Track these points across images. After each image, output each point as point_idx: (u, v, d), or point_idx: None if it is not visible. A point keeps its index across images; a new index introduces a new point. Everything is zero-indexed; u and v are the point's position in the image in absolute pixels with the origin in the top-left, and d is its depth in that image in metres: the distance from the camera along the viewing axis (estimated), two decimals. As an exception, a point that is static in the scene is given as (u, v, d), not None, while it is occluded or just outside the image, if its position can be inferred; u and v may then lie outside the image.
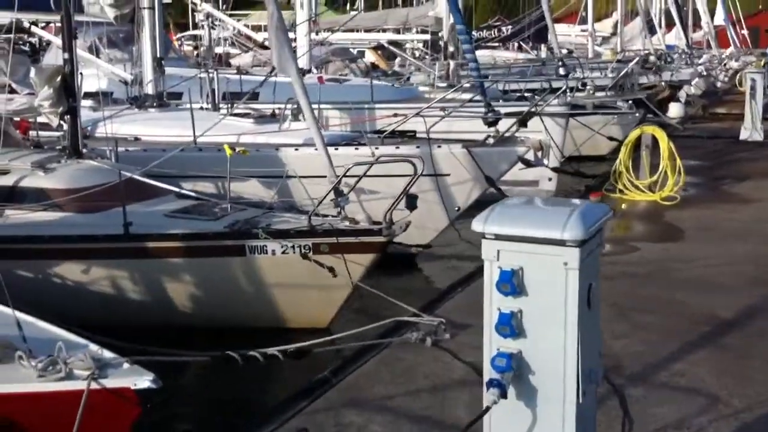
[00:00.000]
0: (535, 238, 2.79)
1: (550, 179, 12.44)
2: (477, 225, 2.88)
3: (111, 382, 3.76)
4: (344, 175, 6.94)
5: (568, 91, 13.75)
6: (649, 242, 8.57)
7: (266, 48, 17.80)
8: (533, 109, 10.52)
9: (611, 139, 16.66)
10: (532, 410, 3.02)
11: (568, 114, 13.29)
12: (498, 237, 2.84)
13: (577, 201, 3.03)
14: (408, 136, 10.53)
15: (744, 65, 34.43)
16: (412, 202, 6.79)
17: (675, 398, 4.86)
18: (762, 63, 26.68)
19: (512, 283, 2.85)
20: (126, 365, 3.87)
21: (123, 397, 3.74)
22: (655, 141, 10.81)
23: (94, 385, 3.69)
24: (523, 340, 2.95)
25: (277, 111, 11.03)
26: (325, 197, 6.96)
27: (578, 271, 2.80)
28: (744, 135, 15.94)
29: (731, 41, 42.58)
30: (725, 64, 34.36)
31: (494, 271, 2.89)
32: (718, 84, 30.78)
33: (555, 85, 14.10)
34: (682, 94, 21.38)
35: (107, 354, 3.99)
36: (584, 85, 15.26)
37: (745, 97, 16.38)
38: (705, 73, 27.49)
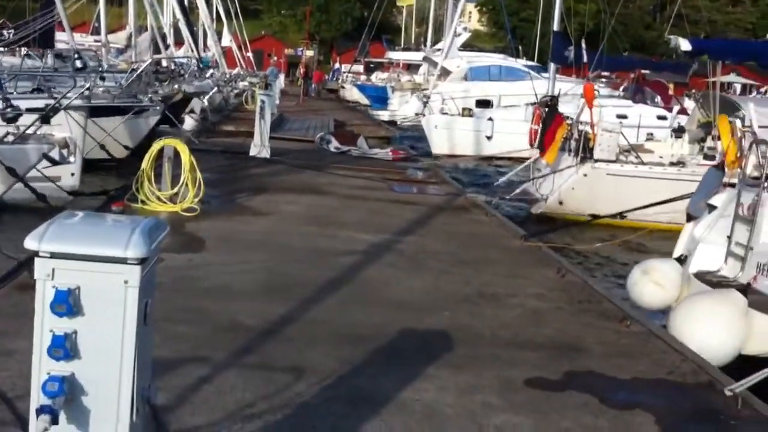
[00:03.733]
0: (96, 256, 2.71)
1: (72, 174, 12.11)
2: (31, 243, 2.69)
3: None
4: None
5: (91, 86, 13.51)
6: (173, 253, 8.71)
7: None
8: (57, 105, 10.06)
9: (126, 148, 16.77)
10: (83, 434, 2.92)
11: (88, 107, 13.08)
12: (54, 255, 2.70)
13: (138, 218, 3.02)
14: None
15: (250, 85, 37.11)
16: None
17: (207, 405, 5.08)
18: (265, 84, 28.99)
19: (68, 303, 2.73)
20: None
21: None
22: (177, 153, 11.08)
23: None
24: (77, 362, 2.84)
25: None
26: None
27: (138, 289, 2.80)
28: (254, 151, 17.09)
29: (237, 62, 45.54)
30: (235, 83, 36.60)
31: (48, 291, 2.74)
32: (225, 101, 32.66)
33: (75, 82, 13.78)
34: (196, 106, 22.16)
35: None
36: (102, 79, 15.05)
37: (253, 115, 17.60)
38: (216, 90, 28.95)
